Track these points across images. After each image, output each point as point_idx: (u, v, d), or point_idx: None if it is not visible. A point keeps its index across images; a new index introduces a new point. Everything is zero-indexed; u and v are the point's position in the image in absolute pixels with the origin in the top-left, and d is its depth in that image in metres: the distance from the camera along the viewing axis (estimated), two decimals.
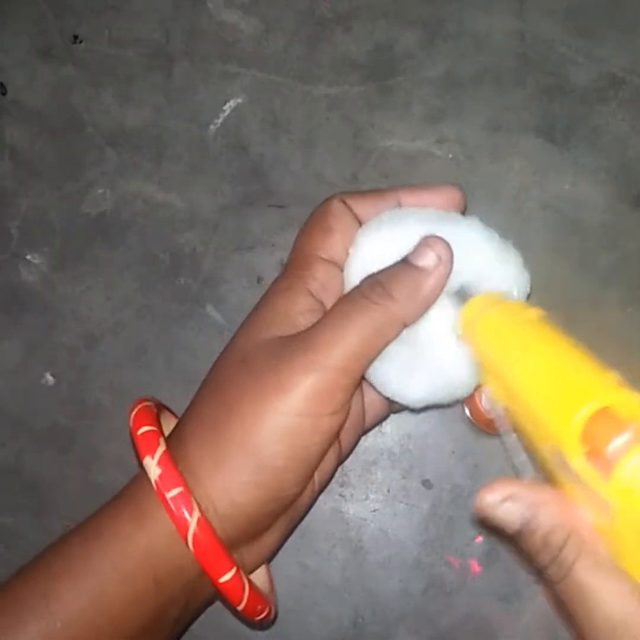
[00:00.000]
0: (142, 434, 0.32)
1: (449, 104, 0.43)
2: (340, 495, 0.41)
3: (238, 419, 0.31)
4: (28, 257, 0.44)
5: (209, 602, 0.36)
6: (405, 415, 0.41)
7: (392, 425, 0.42)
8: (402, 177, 0.43)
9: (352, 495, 0.42)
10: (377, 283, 0.31)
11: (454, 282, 0.32)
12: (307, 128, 0.44)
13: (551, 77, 0.43)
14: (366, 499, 0.41)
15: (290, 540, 0.41)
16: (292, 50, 0.44)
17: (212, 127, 0.44)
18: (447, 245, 0.31)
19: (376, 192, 0.35)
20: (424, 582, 0.41)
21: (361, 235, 0.34)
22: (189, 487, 0.31)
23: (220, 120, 0.44)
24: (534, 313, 0.29)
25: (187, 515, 0.30)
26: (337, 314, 0.31)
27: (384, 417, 0.38)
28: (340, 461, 0.37)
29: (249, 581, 0.32)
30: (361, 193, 0.35)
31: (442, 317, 0.32)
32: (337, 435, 0.33)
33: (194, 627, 0.40)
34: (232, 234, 0.43)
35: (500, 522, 0.27)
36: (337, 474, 0.41)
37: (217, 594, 0.34)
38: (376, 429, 0.41)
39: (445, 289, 0.32)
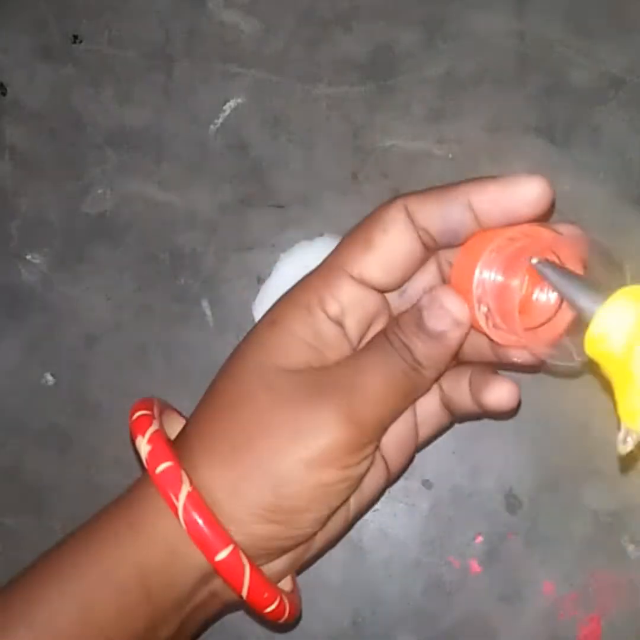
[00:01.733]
0: (136, 418, 0.31)
1: (449, 104, 0.43)
2: None
3: (262, 450, 0.30)
4: (28, 257, 0.44)
5: (208, 622, 0.35)
6: None
7: None
8: (402, 177, 0.43)
9: None
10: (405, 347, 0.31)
11: None
12: (307, 128, 0.44)
13: (551, 77, 0.43)
14: None
15: None
16: (292, 50, 0.44)
17: (212, 127, 0.44)
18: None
19: (443, 192, 0.30)
20: (424, 582, 0.41)
21: (278, 264, 0.38)
22: (180, 462, 0.30)
23: (220, 120, 0.44)
24: None
25: (177, 489, 0.29)
26: (380, 372, 0.30)
27: (445, 429, 0.36)
28: (389, 484, 0.35)
29: (252, 564, 0.30)
30: (428, 194, 0.31)
31: None
32: (362, 479, 0.32)
33: None
34: (232, 234, 0.43)
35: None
36: None
37: (217, 613, 0.33)
38: None
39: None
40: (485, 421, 0.41)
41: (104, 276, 0.44)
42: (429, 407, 0.35)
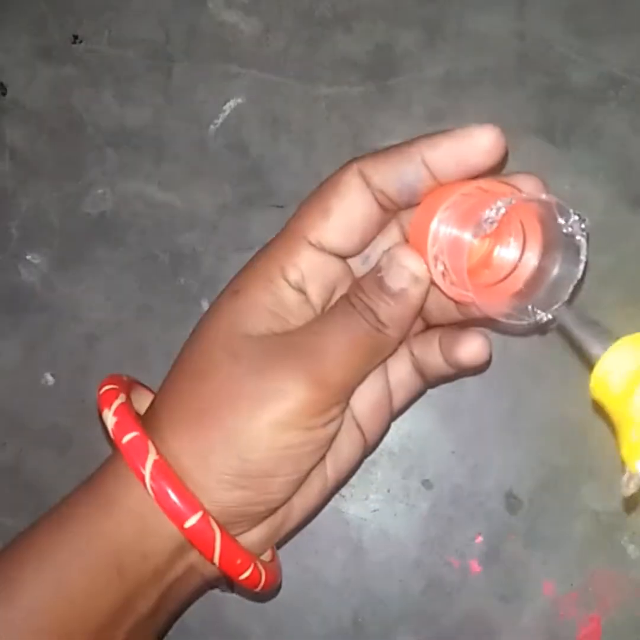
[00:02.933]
0: (103, 392, 0.32)
1: (449, 104, 0.43)
2: (340, 495, 0.41)
3: (228, 416, 0.30)
4: (28, 257, 0.44)
5: (191, 598, 0.34)
6: (405, 414, 0.41)
7: (392, 425, 0.42)
8: None
9: (352, 495, 0.42)
10: (367, 308, 0.31)
11: None
12: (307, 128, 0.44)
13: (551, 77, 0.43)
14: (366, 499, 0.41)
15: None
16: (292, 50, 0.44)
17: (212, 127, 0.44)
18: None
19: (397, 151, 0.30)
20: (424, 582, 0.41)
21: None
22: (146, 432, 0.30)
23: (220, 120, 0.44)
24: None
25: (143, 458, 0.29)
26: (343, 333, 0.30)
27: (419, 394, 0.36)
28: (366, 453, 0.35)
29: (223, 530, 0.30)
30: (382, 155, 0.31)
31: None
32: (330, 442, 0.32)
33: (192, 623, 0.40)
34: (232, 234, 0.43)
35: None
36: None
37: (199, 588, 0.33)
38: None
39: None
40: (484, 421, 0.41)
41: (104, 276, 0.44)
42: (401, 374, 0.35)
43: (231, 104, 0.44)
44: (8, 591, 0.30)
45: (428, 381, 0.36)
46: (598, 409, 0.28)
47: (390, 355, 0.32)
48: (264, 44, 0.44)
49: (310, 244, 0.31)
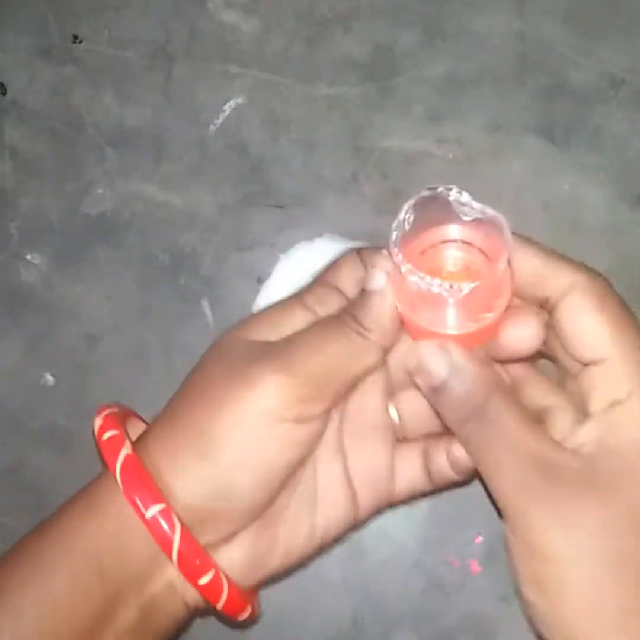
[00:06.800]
0: (98, 409, 0.33)
1: (449, 104, 0.43)
2: None
3: (197, 414, 0.31)
4: (28, 257, 0.44)
5: (175, 627, 0.33)
6: None
7: None
8: (402, 177, 0.43)
9: None
10: (348, 313, 0.32)
11: None
12: (307, 128, 0.44)
13: (551, 77, 0.43)
14: None
15: None
16: (292, 50, 0.44)
17: (212, 127, 0.44)
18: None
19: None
20: (424, 582, 0.41)
21: (279, 264, 0.41)
22: (124, 430, 0.31)
23: (220, 120, 0.44)
24: None
25: (117, 453, 0.30)
26: (318, 328, 0.31)
27: (422, 493, 0.35)
28: (355, 525, 0.35)
29: (184, 526, 0.30)
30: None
31: None
32: (302, 449, 0.31)
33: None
34: (232, 234, 0.43)
35: (426, 371, 0.29)
36: None
37: (182, 619, 0.32)
38: None
39: None
40: None
41: (104, 276, 0.44)
42: (408, 462, 0.34)
43: (231, 104, 0.44)
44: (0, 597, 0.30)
45: (434, 481, 0.35)
46: None
47: (374, 368, 0.32)
48: (264, 44, 0.44)
49: (325, 282, 0.34)
